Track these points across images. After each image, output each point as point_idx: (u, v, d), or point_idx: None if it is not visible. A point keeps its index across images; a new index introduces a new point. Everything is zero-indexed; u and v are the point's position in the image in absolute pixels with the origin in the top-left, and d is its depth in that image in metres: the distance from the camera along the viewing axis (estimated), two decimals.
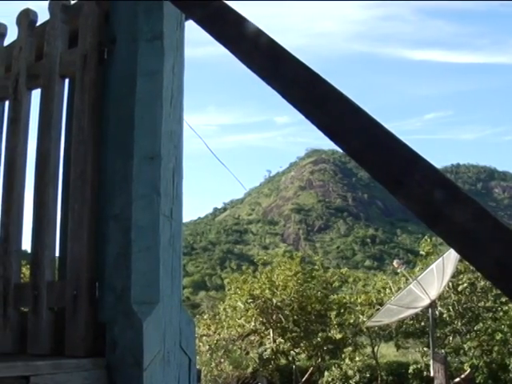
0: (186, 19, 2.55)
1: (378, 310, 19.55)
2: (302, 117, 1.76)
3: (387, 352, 26.67)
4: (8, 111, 2.88)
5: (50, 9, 2.75)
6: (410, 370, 22.42)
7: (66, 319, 2.38)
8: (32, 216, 2.61)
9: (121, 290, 2.27)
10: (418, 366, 22.10)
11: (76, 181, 2.48)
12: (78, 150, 2.51)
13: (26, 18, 2.88)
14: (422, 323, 20.97)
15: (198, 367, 2.49)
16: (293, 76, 1.82)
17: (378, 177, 1.60)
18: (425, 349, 21.19)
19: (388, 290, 22.43)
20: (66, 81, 2.71)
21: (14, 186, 2.73)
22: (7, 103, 2.92)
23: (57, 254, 2.60)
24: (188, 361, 2.35)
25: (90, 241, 2.40)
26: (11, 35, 2.99)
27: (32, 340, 2.48)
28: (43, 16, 2.85)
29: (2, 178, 2.83)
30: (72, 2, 2.78)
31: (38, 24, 2.90)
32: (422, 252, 22.35)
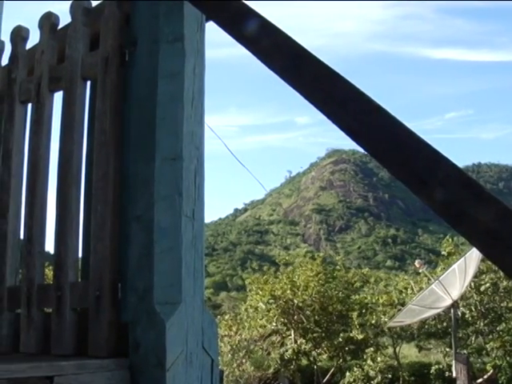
0: (207, 21, 2.56)
1: (399, 310, 19.44)
2: (322, 117, 1.76)
3: (409, 352, 26.53)
4: (31, 114, 2.90)
5: (72, 12, 2.77)
6: (432, 371, 22.29)
7: (89, 320, 2.40)
8: (55, 217, 2.63)
9: (143, 290, 2.28)
10: (440, 367, 21.95)
11: (98, 182, 2.49)
12: (100, 151, 2.52)
13: (47, 22, 2.91)
14: (444, 323, 20.81)
15: (219, 368, 2.50)
16: (314, 76, 1.82)
17: (401, 177, 1.59)
18: (447, 349, 21.04)
19: (410, 291, 22.29)
20: (88, 83, 2.72)
21: (37, 187, 2.75)
22: (30, 106, 2.94)
23: (79, 254, 2.62)
24: (210, 361, 2.35)
25: (112, 242, 2.41)
26: (33, 39, 3.02)
27: (55, 340, 2.50)
28: (65, 19, 2.87)
29: (25, 179, 2.86)
30: (93, 3, 2.80)
31: (59, 27, 2.93)
32: (443, 252, 22.17)
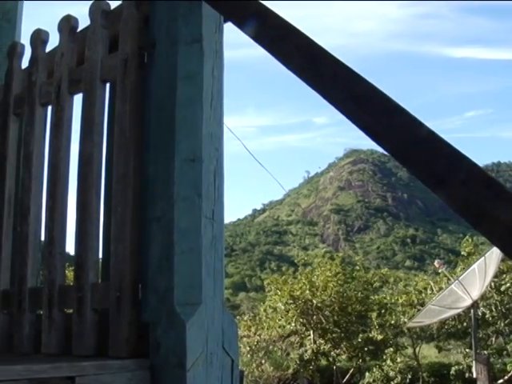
0: (225, 21, 2.56)
1: (419, 310, 19.36)
2: (340, 117, 1.75)
3: (429, 353, 26.40)
4: (51, 116, 2.92)
5: (91, 14, 2.79)
6: (452, 372, 22.15)
7: (110, 320, 2.41)
8: (75, 219, 2.64)
9: (164, 291, 2.28)
10: (460, 367, 21.82)
11: (118, 183, 2.51)
12: (119, 152, 2.53)
13: (67, 25, 2.92)
14: (464, 324, 20.70)
15: (239, 368, 2.50)
16: (333, 76, 1.81)
17: (421, 176, 1.58)
18: (467, 350, 20.93)
19: (429, 291, 22.20)
20: (107, 85, 2.74)
21: (57, 189, 2.77)
22: (50, 108, 2.96)
23: (100, 255, 2.63)
24: (231, 362, 2.35)
25: (132, 243, 2.42)
26: (53, 41, 3.04)
27: (76, 341, 2.51)
28: (84, 22, 2.89)
29: (45, 181, 2.87)
30: (112, 5, 2.81)
31: (78, 30, 2.94)
32: (463, 252, 22.05)
